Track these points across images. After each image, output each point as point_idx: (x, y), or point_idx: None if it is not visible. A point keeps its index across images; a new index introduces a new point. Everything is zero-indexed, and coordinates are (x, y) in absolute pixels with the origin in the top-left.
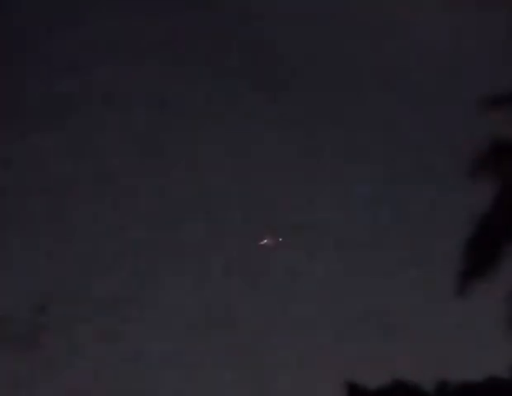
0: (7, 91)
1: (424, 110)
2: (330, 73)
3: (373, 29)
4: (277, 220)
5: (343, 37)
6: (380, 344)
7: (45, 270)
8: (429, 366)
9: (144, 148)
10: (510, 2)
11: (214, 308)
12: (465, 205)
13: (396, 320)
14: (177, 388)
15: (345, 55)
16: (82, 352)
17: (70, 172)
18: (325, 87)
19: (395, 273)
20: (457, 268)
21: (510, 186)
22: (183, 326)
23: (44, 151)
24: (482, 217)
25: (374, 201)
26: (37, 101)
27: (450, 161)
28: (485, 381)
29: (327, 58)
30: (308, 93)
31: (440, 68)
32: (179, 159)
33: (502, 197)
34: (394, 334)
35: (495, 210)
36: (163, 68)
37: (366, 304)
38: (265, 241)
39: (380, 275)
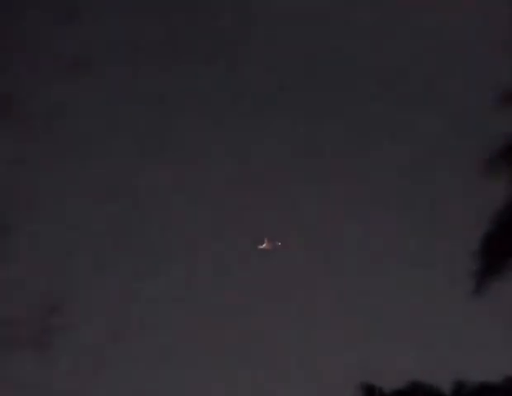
0: (7, 92)
1: (429, 109)
2: (330, 73)
3: (373, 29)
4: (277, 222)
5: (343, 37)
6: (388, 345)
7: (49, 271)
8: (444, 367)
9: (144, 148)
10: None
11: (214, 309)
12: (478, 204)
13: (406, 321)
14: (179, 387)
15: (345, 55)
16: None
17: (71, 172)
18: (326, 88)
19: (401, 273)
20: (472, 267)
21: None
22: (185, 326)
23: (45, 150)
24: (496, 215)
25: (377, 201)
26: (36, 101)
27: (460, 159)
28: (501, 382)
29: (327, 58)
30: (308, 93)
31: (445, 65)
32: (179, 159)
33: None
34: (403, 334)
35: (509, 209)
36: (162, 68)
37: (372, 305)
38: (264, 244)
39: (385, 274)
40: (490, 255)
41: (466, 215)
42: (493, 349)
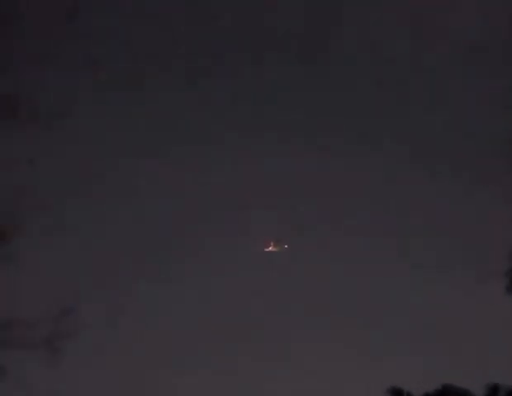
0: (11, 93)
1: (429, 109)
2: (330, 73)
3: (373, 29)
4: (284, 224)
5: (343, 37)
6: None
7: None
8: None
9: (144, 148)
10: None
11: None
12: (476, 204)
13: (436, 321)
14: (184, 390)
15: (345, 55)
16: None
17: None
18: (326, 88)
19: (421, 273)
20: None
21: None
22: (189, 328)
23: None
24: None
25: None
26: (39, 102)
27: (460, 159)
28: None
29: (327, 58)
30: (308, 93)
31: (445, 65)
32: (182, 161)
33: None
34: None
35: None
36: (162, 68)
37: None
38: (270, 247)
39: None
40: None
41: (465, 215)
42: None
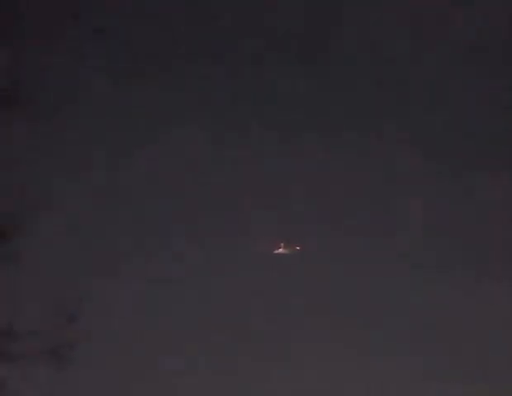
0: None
1: (429, 109)
2: (331, 73)
3: (373, 29)
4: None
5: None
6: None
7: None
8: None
9: (144, 149)
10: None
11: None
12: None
13: (436, 321)
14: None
15: (345, 55)
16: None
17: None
18: (326, 88)
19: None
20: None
21: None
22: (194, 326)
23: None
24: None
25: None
26: (36, 101)
27: (460, 159)
28: None
29: (327, 58)
30: (309, 94)
31: (445, 65)
32: (182, 161)
33: None
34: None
35: None
36: (162, 68)
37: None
38: (280, 249)
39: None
40: None
41: (465, 215)
42: None
